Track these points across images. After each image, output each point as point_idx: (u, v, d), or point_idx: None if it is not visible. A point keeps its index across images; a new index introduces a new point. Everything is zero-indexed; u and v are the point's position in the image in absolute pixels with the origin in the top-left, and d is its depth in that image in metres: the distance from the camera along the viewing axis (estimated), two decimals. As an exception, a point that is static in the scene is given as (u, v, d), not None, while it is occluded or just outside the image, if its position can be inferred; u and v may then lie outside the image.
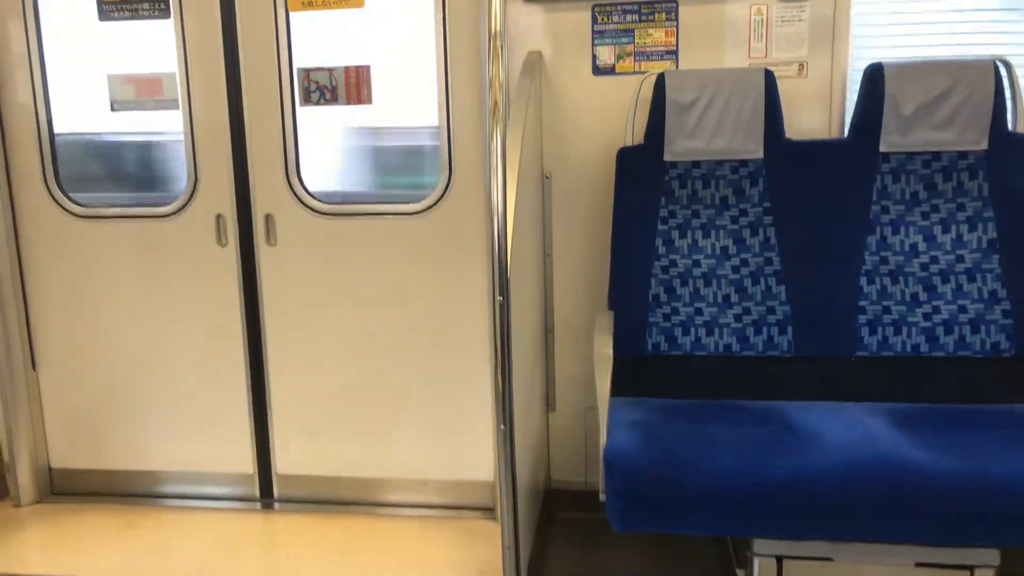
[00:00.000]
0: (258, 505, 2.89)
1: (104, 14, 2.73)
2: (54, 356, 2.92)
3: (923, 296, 2.25)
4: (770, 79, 2.31)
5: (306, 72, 2.69)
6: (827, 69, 2.44)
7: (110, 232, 2.82)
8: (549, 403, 2.71)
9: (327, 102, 2.71)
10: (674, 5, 2.46)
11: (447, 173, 2.64)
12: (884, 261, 2.27)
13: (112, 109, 2.84)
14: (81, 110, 2.85)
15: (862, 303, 2.27)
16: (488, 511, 2.78)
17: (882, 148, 2.29)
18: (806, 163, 2.33)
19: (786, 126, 2.35)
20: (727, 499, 1.77)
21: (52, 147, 2.81)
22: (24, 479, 2.91)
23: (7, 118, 2.78)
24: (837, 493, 1.72)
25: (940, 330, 2.23)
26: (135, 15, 2.71)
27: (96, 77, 2.80)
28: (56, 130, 2.81)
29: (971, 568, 1.80)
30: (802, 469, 1.75)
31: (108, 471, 2.97)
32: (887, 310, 2.26)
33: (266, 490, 2.91)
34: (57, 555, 2.58)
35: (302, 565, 2.48)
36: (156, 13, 2.69)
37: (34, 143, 2.79)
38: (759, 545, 1.86)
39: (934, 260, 2.26)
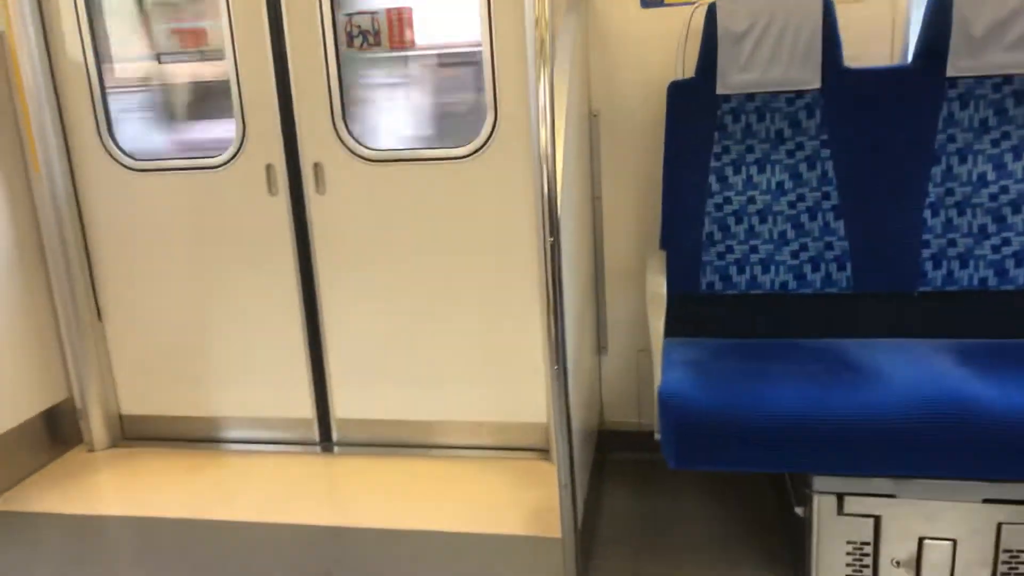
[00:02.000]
0: (318, 449, 2.97)
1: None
2: (118, 307, 3.02)
3: (992, 228, 2.16)
4: (828, 5, 2.20)
5: (348, 16, 2.65)
6: None
7: (163, 184, 2.87)
8: (600, 345, 2.70)
9: (370, 46, 2.68)
10: (726, -71, 2.34)
11: (492, 115, 2.60)
12: (950, 192, 2.18)
13: (159, 61, 2.86)
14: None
15: (926, 236, 2.19)
16: (542, 452, 2.81)
17: (949, 73, 2.17)
18: (866, 92, 2.23)
19: (845, 54, 2.24)
20: (785, 435, 1.75)
21: (104, 101, 2.85)
22: (96, 426, 3.04)
23: (59, 74, 2.82)
24: (901, 430, 1.69)
25: (1010, 263, 2.14)
26: (177, -35, 2.71)
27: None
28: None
29: None
30: (864, 405, 1.72)
31: (174, 417, 3.08)
32: (952, 243, 2.18)
33: (325, 434, 2.99)
34: (130, 497, 2.70)
35: (362, 505, 2.55)
36: (198, -38, 2.69)
37: (86, 98, 2.83)
38: (819, 482, 1.85)
39: (1004, 190, 2.16)
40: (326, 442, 2.99)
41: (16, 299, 2.81)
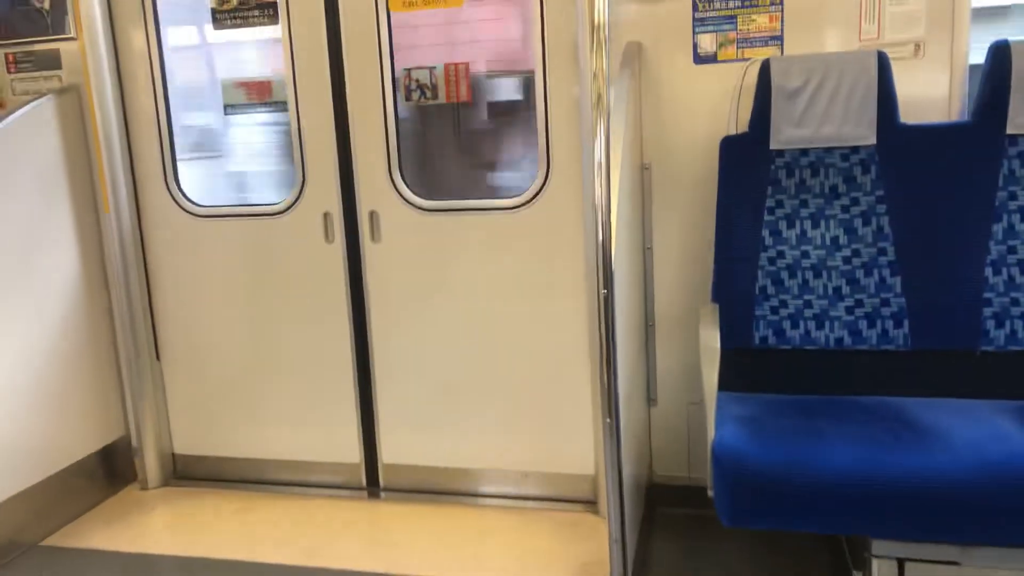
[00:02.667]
0: (364, 494, 2.98)
1: (218, 22, 2.86)
2: (176, 348, 3.10)
3: None
4: (883, 61, 2.21)
5: (407, 71, 2.74)
6: (946, 49, 2.31)
7: (225, 230, 2.96)
8: (650, 396, 2.68)
9: (427, 100, 2.76)
10: (779, -12, 2.38)
11: (545, 167, 2.65)
12: (1012, 250, 2.15)
13: (225, 112, 2.98)
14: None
15: (987, 295, 2.15)
16: (589, 504, 2.78)
17: (1009, 130, 2.15)
18: (924, 148, 2.22)
19: (901, 110, 2.24)
20: (843, 497, 1.71)
21: (172, 149, 2.97)
22: (150, 464, 3.10)
23: (132, 124, 2.96)
24: (965, 494, 1.64)
25: None
26: (246, 22, 2.83)
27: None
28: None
29: None
30: (925, 467, 1.68)
31: (226, 458, 3.12)
32: (1016, 302, 2.13)
33: (372, 479, 3.00)
34: (181, 536, 2.74)
35: (407, 554, 2.54)
36: (265, 19, 2.81)
37: (155, 145, 2.96)
38: (878, 546, 1.79)
39: None
40: (373, 487, 3.00)
41: (82, 336, 2.90)
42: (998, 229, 2.15)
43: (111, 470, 3.04)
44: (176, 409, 3.14)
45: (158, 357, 3.10)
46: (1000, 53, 2.15)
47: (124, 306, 2.98)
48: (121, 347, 3.02)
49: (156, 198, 3.00)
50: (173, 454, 3.17)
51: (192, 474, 3.16)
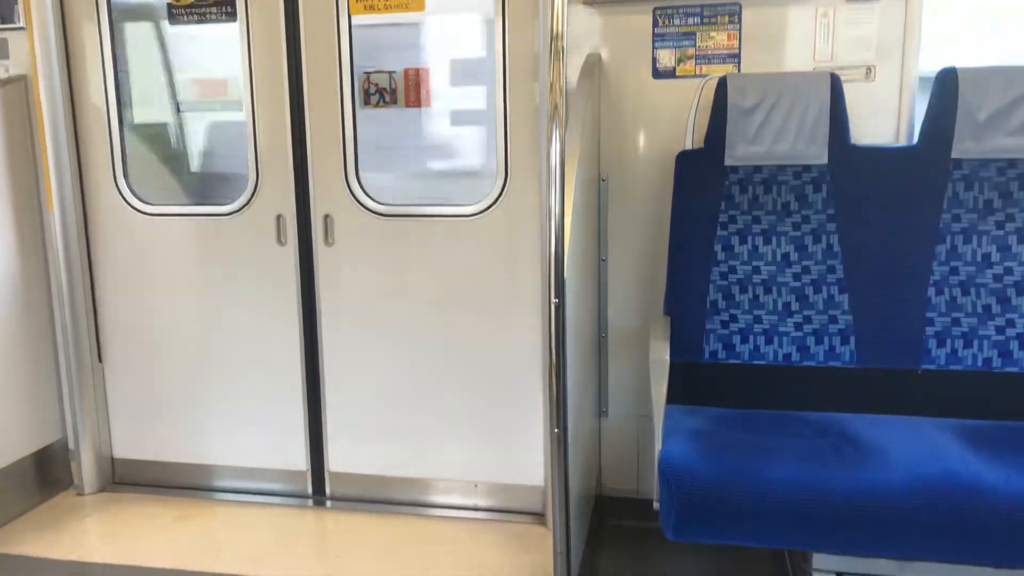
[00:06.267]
0: (310, 502, 2.92)
1: (174, 18, 2.81)
2: (119, 349, 3.01)
3: (996, 309, 2.16)
4: (836, 83, 2.25)
5: (366, 75, 2.72)
6: (896, 73, 2.36)
7: (175, 230, 2.89)
8: (601, 408, 2.68)
9: (386, 104, 2.74)
10: (737, 8, 2.42)
11: (503, 175, 2.64)
12: (954, 271, 2.19)
13: (178, 110, 2.92)
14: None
15: (930, 315, 2.19)
16: (537, 516, 2.76)
17: (954, 155, 2.21)
18: (873, 169, 2.26)
19: (852, 131, 2.28)
20: (785, 511, 1.72)
21: (123, 147, 2.89)
22: (88, 469, 3.00)
23: (80, 119, 2.88)
24: (903, 510, 1.66)
25: (1014, 344, 2.14)
26: (203, 19, 2.78)
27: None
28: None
29: None
30: (866, 483, 1.70)
31: (167, 463, 3.04)
32: (957, 322, 2.18)
33: (318, 487, 2.94)
34: (116, 544, 2.65)
35: (352, 564, 2.49)
36: (223, 17, 2.76)
37: (105, 143, 2.88)
38: (819, 560, 1.81)
39: (1008, 271, 2.17)
40: (319, 495, 2.94)
41: (18, 336, 2.81)
42: (941, 251, 2.20)
43: (46, 474, 2.94)
44: (117, 412, 3.05)
45: (100, 359, 3.01)
46: (947, 80, 2.20)
47: (66, 306, 2.89)
48: (61, 348, 2.93)
49: (104, 195, 2.92)
50: (112, 458, 3.08)
51: (131, 479, 3.07)
